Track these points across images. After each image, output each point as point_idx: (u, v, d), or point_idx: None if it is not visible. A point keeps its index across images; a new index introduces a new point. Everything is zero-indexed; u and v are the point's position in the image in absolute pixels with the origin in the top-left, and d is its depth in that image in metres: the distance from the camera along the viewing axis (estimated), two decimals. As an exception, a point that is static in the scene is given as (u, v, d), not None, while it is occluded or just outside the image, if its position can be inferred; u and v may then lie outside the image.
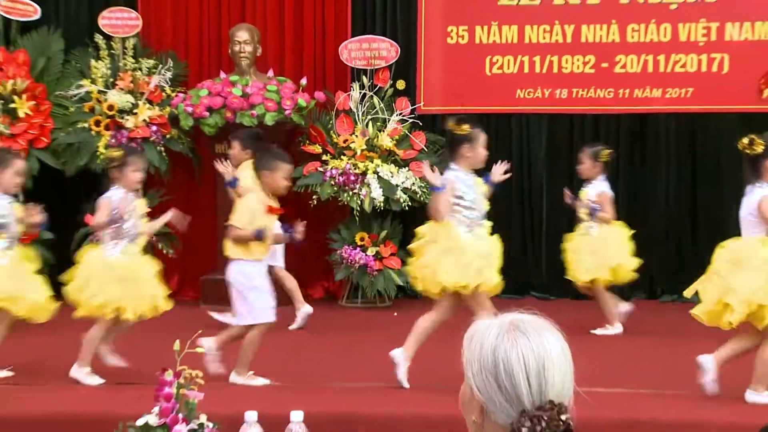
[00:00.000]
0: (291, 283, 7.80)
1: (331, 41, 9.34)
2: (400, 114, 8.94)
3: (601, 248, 7.51)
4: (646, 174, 9.26)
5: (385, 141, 8.78)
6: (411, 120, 8.95)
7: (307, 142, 8.93)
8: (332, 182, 8.58)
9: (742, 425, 5.08)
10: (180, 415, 3.30)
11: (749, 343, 5.58)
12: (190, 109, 8.61)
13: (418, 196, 8.60)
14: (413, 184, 8.64)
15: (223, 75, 8.88)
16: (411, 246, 6.27)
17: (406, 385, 5.69)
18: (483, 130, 6.11)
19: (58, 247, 8.66)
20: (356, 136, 8.79)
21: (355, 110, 8.93)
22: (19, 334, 6.24)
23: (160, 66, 9.06)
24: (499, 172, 6.15)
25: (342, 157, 8.76)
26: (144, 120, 8.83)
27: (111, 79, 8.95)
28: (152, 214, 8.84)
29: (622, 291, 8.91)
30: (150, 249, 8.84)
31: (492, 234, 6.05)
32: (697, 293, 5.82)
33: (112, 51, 9.04)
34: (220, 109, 8.57)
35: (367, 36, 9.16)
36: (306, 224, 6.23)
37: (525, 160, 9.37)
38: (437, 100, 9.32)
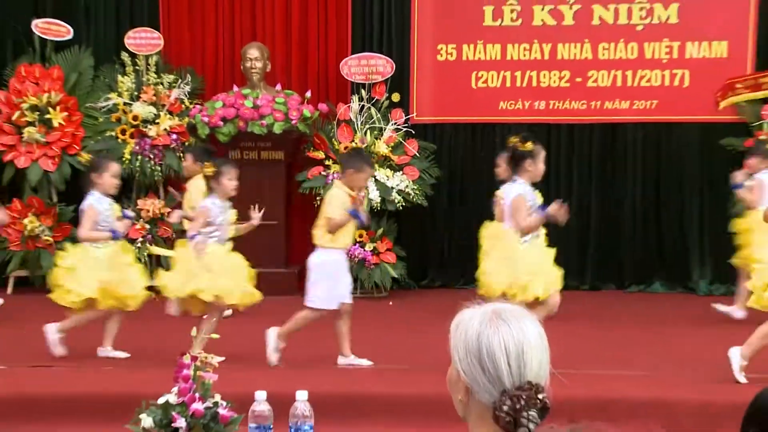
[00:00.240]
0: None
1: (333, 58, 9.33)
2: (395, 123, 8.93)
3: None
4: (616, 177, 9.25)
5: (382, 148, 8.78)
6: (405, 129, 8.94)
7: (312, 148, 8.93)
8: (333, 184, 8.55)
9: (706, 403, 5.10)
10: (197, 395, 3.29)
11: None
12: (206, 119, 8.61)
13: (411, 197, 8.62)
14: (407, 186, 8.64)
15: (236, 88, 8.87)
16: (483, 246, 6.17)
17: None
18: (541, 145, 5.95)
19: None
20: (355, 143, 8.78)
21: (354, 120, 8.92)
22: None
23: (180, 80, 9.06)
24: (557, 212, 5.77)
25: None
26: (165, 129, 8.83)
27: (135, 93, 8.95)
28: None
29: (594, 283, 8.95)
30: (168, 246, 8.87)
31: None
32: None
33: (137, 67, 9.03)
34: (233, 119, 8.56)
35: (365, 53, 9.14)
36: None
37: (507, 165, 9.37)
38: (428, 111, 9.32)
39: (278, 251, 8.65)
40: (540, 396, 1.77)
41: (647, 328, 7.12)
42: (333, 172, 8.62)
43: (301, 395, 3.25)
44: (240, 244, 6.22)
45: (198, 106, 8.82)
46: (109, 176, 6.07)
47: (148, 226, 8.83)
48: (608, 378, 5.55)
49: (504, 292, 5.65)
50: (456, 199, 9.33)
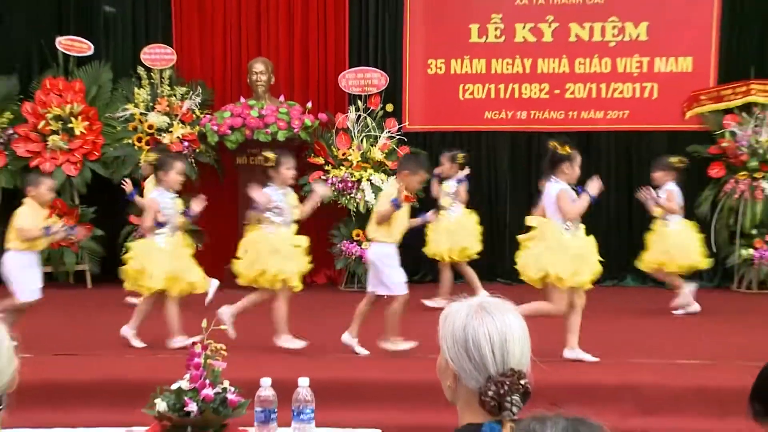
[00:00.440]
0: None
1: (332, 71, 9.33)
2: (389, 132, 8.92)
3: (456, 231, 7.63)
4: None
5: (377, 154, 8.77)
6: (398, 137, 8.94)
7: (312, 154, 8.92)
8: (333, 188, 8.56)
9: (668, 386, 5.11)
10: (207, 381, 3.28)
11: None
12: (215, 127, 8.60)
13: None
14: (400, 189, 8.63)
15: (242, 100, 8.86)
16: (520, 237, 6.02)
17: (595, 359, 5.57)
18: (577, 150, 5.84)
19: (107, 240, 8.64)
20: (353, 150, 8.78)
21: (351, 128, 8.91)
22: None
23: (191, 92, 9.05)
24: (596, 186, 5.74)
25: (341, 167, 8.75)
26: (178, 137, 8.81)
27: (151, 104, 8.94)
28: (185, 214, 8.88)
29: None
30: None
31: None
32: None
33: (152, 80, 9.02)
34: (240, 127, 8.55)
35: (361, 67, 9.14)
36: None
37: (492, 169, 9.39)
38: (419, 120, 9.32)
39: (282, 249, 8.62)
40: (522, 382, 1.77)
41: (616, 318, 7.13)
42: (332, 176, 8.62)
43: (303, 381, 3.24)
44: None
45: (208, 116, 8.81)
46: (175, 173, 6.03)
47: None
48: (585, 365, 5.54)
49: (548, 279, 5.53)
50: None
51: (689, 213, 8.76)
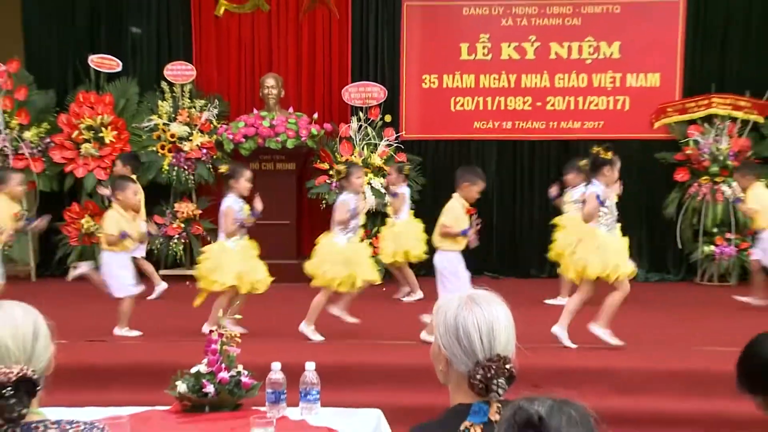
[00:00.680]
0: (149, 267, 7.78)
1: (336, 85, 9.32)
2: (388, 140, 8.91)
3: (401, 236, 7.56)
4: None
5: (377, 160, 8.77)
6: (395, 144, 8.92)
7: (318, 160, 8.91)
8: (337, 191, 8.54)
9: (640, 369, 5.10)
10: (223, 365, 3.27)
11: None
12: (231, 136, 8.58)
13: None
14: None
15: (255, 111, 8.85)
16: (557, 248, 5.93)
17: (574, 345, 5.53)
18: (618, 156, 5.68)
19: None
20: (354, 156, 8.77)
21: (353, 137, 8.90)
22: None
23: (209, 105, 9.04)
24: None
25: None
26: (197, 145, 8.81)
27: (173, 115, 8.93)
28: (204, 215, 8.88)
29: (554, 272, 8.90)
30: (199, 239, 8.86)
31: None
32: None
33: (174, 94, 9.01)
34: (253, 136, 8.54)
35: (362, 82, 9.12)
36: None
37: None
38: (415, 129, 9.30)
39: (290, 245, 8.58)
40: (507, 366, 1.77)
41: (595, 310, 7.10)
42: (336, 180, 8.60)
43: (310, 365, 3.23)
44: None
45: (224, 126, 8.79)
46: (244, 180, 5.91)
47: (183, 225, 8.81)
48: (565, 350, 5.54)
49: (599, 275, 5.45)
50: (438, 202, 9.21)
51: (658, 214, 8.80)
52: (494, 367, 1.75)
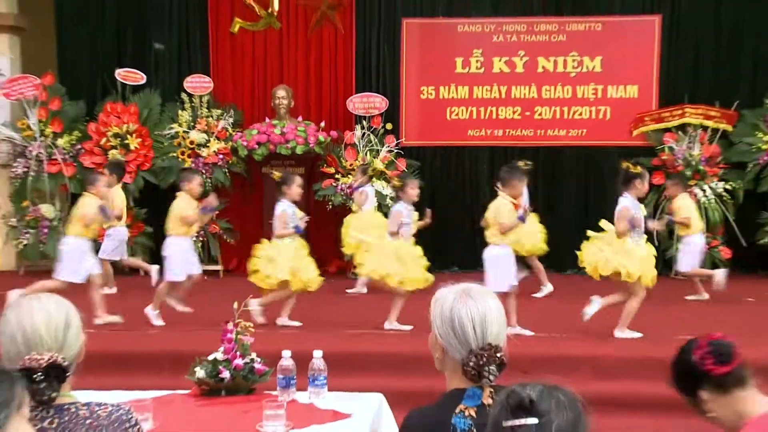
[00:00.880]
0: (135, 262, 7.84)
1: (341, 96, 9.33)
2: (389, 146, 8.91)
3: (363, 230, 7.46)
4: (556, 187, 9.27)
5: (379, 165, 8.75)
6: (396, 150, 8.92)
7: (325, 165, 8.91)
8: (342, 193, 8.55)
9: (618, 357, 5.09)
10: (238, 353, 3.27)
11: None
12: (245, 143, 8.60)
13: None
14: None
15: (267, 120, 8.85)
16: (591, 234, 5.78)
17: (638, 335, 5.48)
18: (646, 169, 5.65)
19: (156, 237, 8.61)
20: (358, 161, 8.76)
21: (357, 143, 8.90)
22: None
23: (225, 114, 9.05)
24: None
25: (349, 176, 8.72)
26: (214, 151, 8.81)
27: (192, 123, 8.94)
28: (220, 215, 8.87)
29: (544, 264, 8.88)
30: (216, 238, 8.86)
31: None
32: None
33: (193, 104, 9.02)
34: (265, 143, 8.55)
35: (366, 93, 9.13)
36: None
37: (474, 179, 9.37)
38: (414, 136, 9.30)
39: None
40: (498, 354, 1.76)
41: (580, 301, 7.08)
42: (341, 183, 8.60)
43: (318, 353, 3.23)
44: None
45: (239, 133, 8.81)
46: (296, 186, 5.85)
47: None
48: (551, 339, 5.53)
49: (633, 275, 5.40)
50: (435, 203, 9.26)
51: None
52: (486, 355, 1.74)
